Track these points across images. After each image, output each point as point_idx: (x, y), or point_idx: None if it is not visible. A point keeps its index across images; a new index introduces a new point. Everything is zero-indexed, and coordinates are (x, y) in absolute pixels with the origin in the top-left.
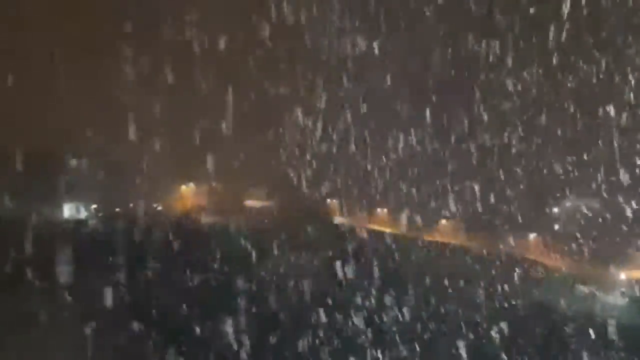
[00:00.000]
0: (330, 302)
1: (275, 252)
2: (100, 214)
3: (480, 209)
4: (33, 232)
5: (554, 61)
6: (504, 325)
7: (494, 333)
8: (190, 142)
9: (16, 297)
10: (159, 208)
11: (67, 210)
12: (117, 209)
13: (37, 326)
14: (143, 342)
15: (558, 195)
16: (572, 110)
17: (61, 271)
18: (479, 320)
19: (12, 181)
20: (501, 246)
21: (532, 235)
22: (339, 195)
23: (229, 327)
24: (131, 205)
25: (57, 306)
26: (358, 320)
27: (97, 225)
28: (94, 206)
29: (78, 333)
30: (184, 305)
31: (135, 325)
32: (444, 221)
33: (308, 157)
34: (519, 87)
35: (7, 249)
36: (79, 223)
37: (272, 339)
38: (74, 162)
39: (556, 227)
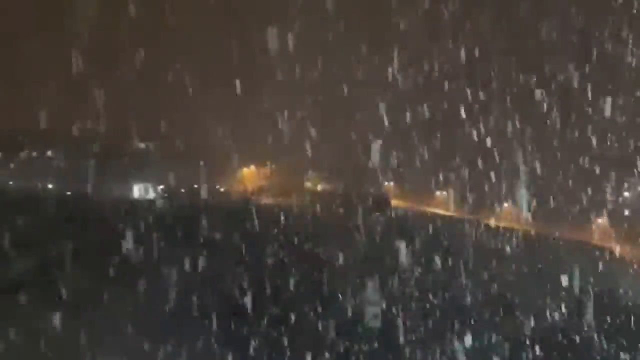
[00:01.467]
0: (388, 283)
1: (335, 234)
2: (166, 195)
3: (545, 193)
4: (106, 211)
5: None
6: (569, 309)
7: (557, 316)
8: (251, 126)
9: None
10: (221, 189)
11: (137, 191)
12: (182, 190)
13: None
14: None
15: (629, 180)
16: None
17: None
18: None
19: (85, 164)
20: (566, 231)
21: (600, 220)
22: (399, 179)
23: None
24: (195, 186)
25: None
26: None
27: (164, 204)
28: (161, 187)
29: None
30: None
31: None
32: (505, 205)
33: (369, 141)
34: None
35: (79, 226)
36: (148, 203)
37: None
38: (142, 146)
39: (626, 212)
